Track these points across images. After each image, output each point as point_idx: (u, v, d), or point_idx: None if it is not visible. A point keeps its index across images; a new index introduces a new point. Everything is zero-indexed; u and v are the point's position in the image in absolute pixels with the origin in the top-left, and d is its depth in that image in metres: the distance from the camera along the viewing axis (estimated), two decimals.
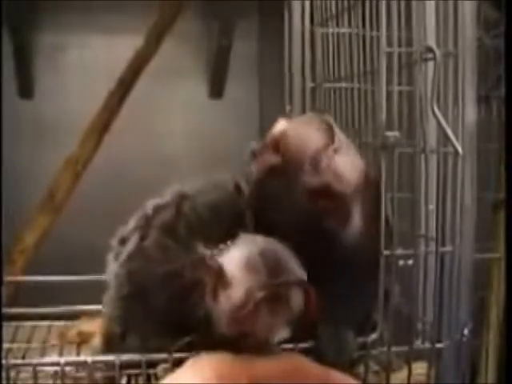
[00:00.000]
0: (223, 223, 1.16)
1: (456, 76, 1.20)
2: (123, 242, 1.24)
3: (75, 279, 1.80)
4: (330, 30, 1.53)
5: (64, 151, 2.59)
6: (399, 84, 1.22)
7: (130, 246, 1.21)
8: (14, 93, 2.97)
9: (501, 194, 1.71)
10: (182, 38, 2.86)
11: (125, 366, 1.18)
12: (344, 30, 1.47)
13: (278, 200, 1.15)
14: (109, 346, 1.28)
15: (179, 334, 1.12)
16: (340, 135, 1.17)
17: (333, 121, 1.20)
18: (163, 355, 1.16)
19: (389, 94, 1.18)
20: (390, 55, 1.18)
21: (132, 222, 1.25)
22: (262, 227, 1.14)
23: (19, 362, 1.23)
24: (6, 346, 1.55)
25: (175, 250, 1.15)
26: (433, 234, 1.24)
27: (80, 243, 2.79)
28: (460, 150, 1.19)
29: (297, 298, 1.08)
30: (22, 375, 1.24)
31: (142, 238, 1.20)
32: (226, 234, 1.12)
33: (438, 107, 1.17)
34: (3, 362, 1.15)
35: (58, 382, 1.15)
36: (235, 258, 1.08)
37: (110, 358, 1.17)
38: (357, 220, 1.17)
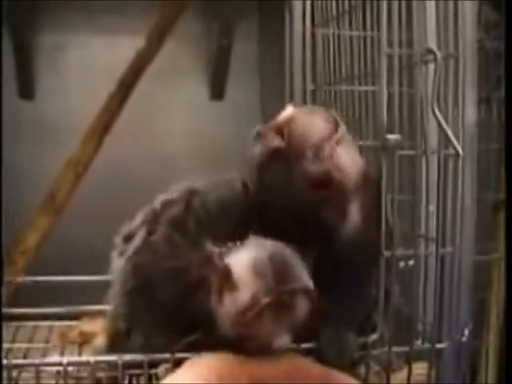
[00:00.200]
0: (231, 221, 1.16)
1: (456, 78, 1.21)
2: (129, 238, 1.23)
3: (76, 279, 1.80)
4: (331, 32, 1.53)
5: (64, 151, 2.59)
6: (400, 86, 1.22)
7: (137, 240, 1.20)
8: (14, 93, 2.98)
9: (501, 194, 1.71)
10: (182, 38, 2.86)
11: (127, 366, 1.18)
12: (345, 31, 1.47)
13: (278, 183, 1.15)
14: (113, 345, 1.28)
15: (183, 332, 1.13)
16: (344, 129, 1.18)
17: (338, 115, 1.21)
18: (165, 355, 1.16)
19: (389, 96, 1.18)
20: (390, 57, 1.18)
21: (138, 218, 1.24)
22: (264, 214, 1.14)
23: (22, 362, 1.24)
24: (7, 345, 1.55)
25: (183, 245, 1.15)
26: (433, 235, 1.24)
27: (81, 244, 2.79)
28: (460, 151, 1.19)
29: (302, 306, 1.08)
30: (24, 375, 1.25)
31: (150, 233, 1.19)
32: (234, 232, 1.12)
33: (439, 109, 1.18)
34: (5, 361, 1.15)
35: (61, 382, 1.15)
36: (243, 260, 1.08)
37: (112, 358, 1.17)
38: (355, 216, 1.18)
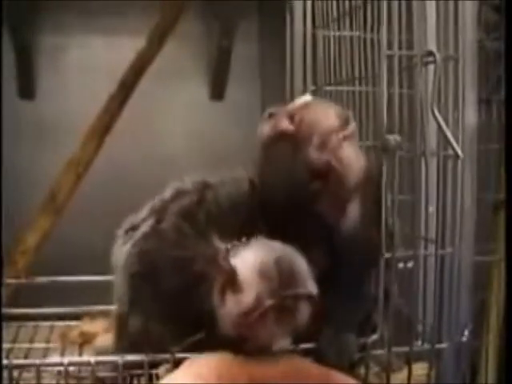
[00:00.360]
0: (239, 218, 1.17)
1: (456, 79, 1.21)
2: (133, 229, 1.23)
3: (76, 279, 1.80)
4: (332, 33, 1.53)
5: (64, 152, 2.59)
6: (400, 87, 1.22)
7: (145, 227, 1.20)
8: (14, 93, 2.98)
9: (501, 195, 1.71)
10: (182, 39, 2.86)
11: (127, 366, 1.18)
12: (345, 32, 1.48)
13: (280, 166, 1.16)
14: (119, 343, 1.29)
15: (182, 323, 1.13)
16: (354, 127, 1.18)
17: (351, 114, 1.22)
18: (166, 355, 1.16)
19: (389, 97, 1.18)
20: (390, 58, 1.19)
21: (145, 211, 1.24)
22: (265, 200, 1.15)
23: (22, 362, 1.24)
24: (7, 346, 1.55)
25: (191, 236, 1.15)
26: (433, 236, 1.24)
27: (81, 244, 2.79)
28: (460, 152, 1.19)
29: (304, 311, 1.08)
30: (25, 375, 1.25)
31: (158, 221, 1.19)
32: (241, 230, 1.12)
33: (439, 110, 1.18)
34: (6, 361, 1.15)
35: (62, 382, 1.15)
36: (249, 261, 1.08)
37: (113, 358, 1.18)
38: (355, 214, 1.18)
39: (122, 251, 1.23)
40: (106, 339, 1.52)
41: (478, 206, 1.26)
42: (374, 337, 1.22)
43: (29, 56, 2.97)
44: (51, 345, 1.63)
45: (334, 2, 1.51)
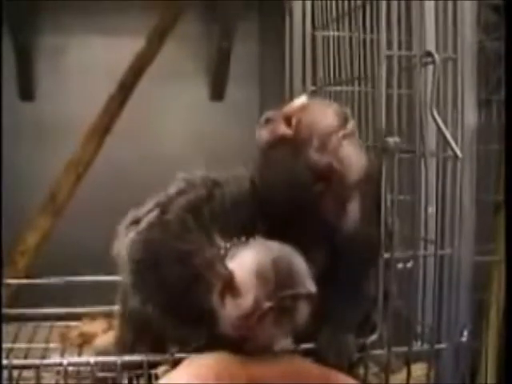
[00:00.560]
0: (241, 216, 1.16)
1: (455, 80, 1.21)
2: (137, 222, 1.23)
3: (76, 280, 1.80)
4: (331, 33, 1.53)
5: (64, 152, 2.59)
6: (399, 88, 1.22)
7: (151, 217, 1.20)
8: (14, 95, 2.98)
9: (501, 196, 1.71)
10: (182, 40, 2.86)
11: (126, 366, 1.19)
12: (345, 33, 1.47)
13: (281, 170, 1.16)
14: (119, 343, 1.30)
15: (181, 315, 1.14)
16: (353, 125, 1.18)
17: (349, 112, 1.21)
18: (165, 356, 1.17)
19: (389, 98, 1.18)
20: (389, 59, 1.19)
21: (150, 203, 1.24)
22: (266, 202, 1.15)
23: (22, 362, 1.24)
24: (8, 346, 1.55)
25: (194, 230, 1.15)
26: (432, 237, 1.25)
27: (81, 244, 2.79)
28: (459, 153, 1.19)
29: (303, 310, 1.08)
30: (24, 375, 1.25)
31: (164, 212, 1.19)
32: (242, 228, 1.13)
33: (438, 111, 1.18)
34: (6, 362, 1.15)
35: (61, 382, 1.15)
36: (247, 263, 1.08)
37: (112, 358, 1.18)
38: (355, 213, 1.18)
39: (125, 241, 1.23)
40: (105, 339, 1.52)
41: (477, 207, 1.26)
42: (374, 337, 1.22)
43: (29, 57, 2.97)
44: (51, 345, 1.63)
45: (334, 3, 1.51)
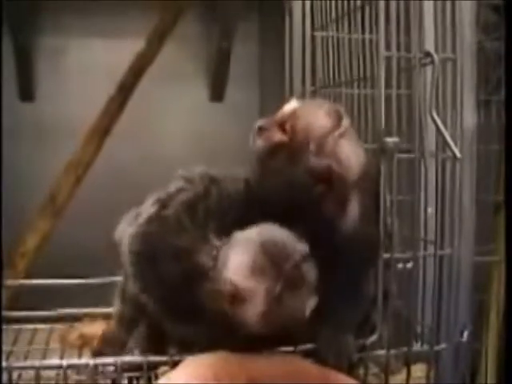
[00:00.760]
0: (232, 217, 1.16)
1: (455, 80, 1.21)
2: (137, 217, 1.24)
3: (76, 282, 1.80)
4: (330, 34, 1.53)
5: (64, 153, 2.60)
6: (398, 88, 1.22)
7: (151, 210, 1.21)
8: (14, 96, 2.98)
9: (501, 196, 1.71)
10: (182, 41, 2.87)
11: (126, 368, 1.19)
12: (344, 34, 1.47)
13: (280, 177, 1.16)
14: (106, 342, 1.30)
15: (179, 310, 1.14)
16: (347, 122, 1.18)
17: (342, 108, 1.21)
18: (164, 357, 1.17)
19: (388, 99, 1.18)
20: (388, 59, 1.18)
21: (151, 199, 1.24)
22: (265, 209, 1.15)
23: (22, 364, 1.24)
24: (8, 348, 1.55)
25: (190, 228, 1.15)
26: (432, 237, 1.24)
27: (81, 246, 2.80)
28: (458, 153, 1.19)
29: (310, 270, 1.09)
30: (24, 376, 1.25)
31: (163, 207, 1.20)
32: (237, 226, 1.13)
33: (437, 112, 1.18)
34: (5, 363, 1.15)
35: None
36: (239, 264, 1.08)
37: (111, 360, 1.18)
38: (355, 211, 1.18)
39: (126, 233, 1.24)
40: None
41: (477, 207, 1.26)
42: (373, 337, 1.22)
43: (29, 57, 2.98)
44: (51, 347, 1.64)
45: (333, 4, 1.51)
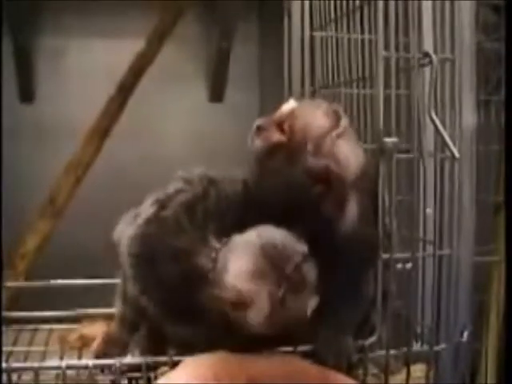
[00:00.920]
0: (234, 217, 1.16)
1: (453, 81, 1.21)
2: (136, 218, 1.24)
3: (76, 283, 1.81)
4: (330, 35, 1.53)
5: (64, 154, 2.60)
6: (397, 88, 1.22)
7: (150, 211, 1.21)
8: (14, 96, 2.98)
9: (501, 196, 1.71)
10: (182, 41, 2.87)
11: (125, 369, 1.19)
12: (343, 34, 1.47)
13: (279, 178, 1.16)
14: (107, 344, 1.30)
15: (177, 311, 1.14)
16: (345, 122, 1.18)
17: (340, 108, 1.21)
18: (164, 358, 1.17)
19: (387, 99, 1.18)
20: (387, 60, 1.18)
21: (149, 200, 1.24)
22: (263, 209, 1.15)
23: (21, 365, 1.24)
24: (7, 349, 1.55)
25: (189, 230, 1.15)
26: (431, 238, 1.24)
27: (81, 247, 2.80)
28: (456, 154, 1.19)
29: (310, 270, 1.09)
30: (24, 378, 1.25)
31: (162, 208, 1.20)
32: (236, 228, 1.13)
33: (436, 112, 1.18)
34: (4, 365, 1.16)
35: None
36: (240, 269, 1.08)
37: (111, 361, 1.18)
38: (353, 211, 1.18)
39: (125, 233, 1.23)
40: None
41: (477, 207, 1.26)
42: (373, 338, 1.22)
43: (28, 58, 2.97)
44: (50, 348, 1.64)
45: (332, 4, 1.51)
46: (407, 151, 1.22)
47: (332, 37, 1.52)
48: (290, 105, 1.21)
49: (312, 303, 1.09)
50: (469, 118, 1.23)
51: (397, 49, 1.20)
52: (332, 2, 1.51)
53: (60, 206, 2.52)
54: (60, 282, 1.79)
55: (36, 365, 1.16)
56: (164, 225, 1.17)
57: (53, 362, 1.23)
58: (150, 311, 1.18)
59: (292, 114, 1.19)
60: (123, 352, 1.27)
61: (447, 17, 1.21)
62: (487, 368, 1.71)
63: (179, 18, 2.65)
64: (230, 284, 1.08)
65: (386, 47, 1.18)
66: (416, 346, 1.27)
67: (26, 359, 1.53)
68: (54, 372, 1.18)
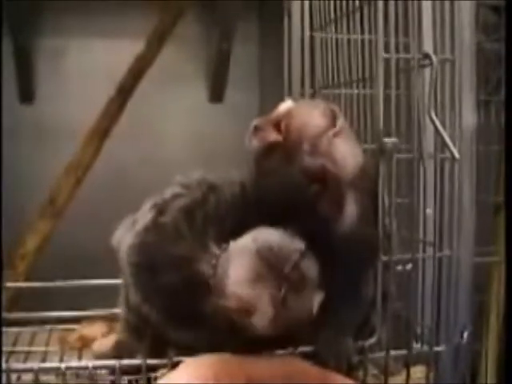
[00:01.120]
0: (233, 221, 1.16)
1: (453, 81, 1.21)
2: (134, 224, 1.23)
3: (76, 284, 1.81)
4: (329, 35, 1.53)
5: (64, 155, 2.60)
6: (397, 89, 1.22)
7: (148, 218, 1.20)
8: (14, 97, 2.98)
9: (501, 197, 1.71)
10: (182, 42, 2.87)
11: (125, 370, 1.19)
12: (343, 35, 1.47)
13: (276, 177, 1.16)
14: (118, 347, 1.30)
15: (179, 318, 1.14)
16: (343, 122, 1.18)
17: (338, 108, 1.21)
18: (163, 360, 1.17)
19: (387, 100, 1.18)
20: (387, 61, 1.18)
21: (148, 204, 1.24)
22: (261, 208, 1.14)
23: (21, 366, 1.24)
24: (8, 349, 1.55)
25: (188, 236, 1.15)
26: (431, 239, 1.24)
27: (81, 247, 2.79)
28: (456, 154, 1.19)
29: (310, 267, 1.09)
30: (24, 378, 1.25)
31: (160, 213, 1.19)
32: (236, 232, 1.13)
33: (436, 112, 1.18)
34: (4, 366, 1.16)
35: None
36: (239, 275, 1.08)
37: (110, 362, 1.18)
38: (352, 211, 1.18)
39: (124, 242, 1.23)
40: (105, 343, 1.52)
41: (477, 208, 1.26)
42: (373, 339, 1.22)
43: (28, 58, 2.97)
44: (50, 348, 1.64)
45: (332, 4, 1.51)
46: (407, 152, 1.22)
47: (332, 37, 1.52)
48: (286, 104, 1.21)
49: (317, 299, 1.09)
50: (469, 118, 1.23)
51: (397, 49, 1.20)
52: (332, 3, 1.51)
53: (60, 207, 2.52)
54: (60, 282, 1.79)
55: (36, 366, 1.16)
56: (163, 232, 1.16)
57: (52, 363, 1.23)
58: (153, 318, 1.18)
59: (289, 113, 1.19)
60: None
61: (447, 17, 1.21)
62: (487, 369, 1.70)
63: (179, 19, 2.65)
64: (232, 293, 1.08)
65: (386, 48, 1.18)
66: (416, 347, 1.27)
67: (26, 359, 1.53)
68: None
